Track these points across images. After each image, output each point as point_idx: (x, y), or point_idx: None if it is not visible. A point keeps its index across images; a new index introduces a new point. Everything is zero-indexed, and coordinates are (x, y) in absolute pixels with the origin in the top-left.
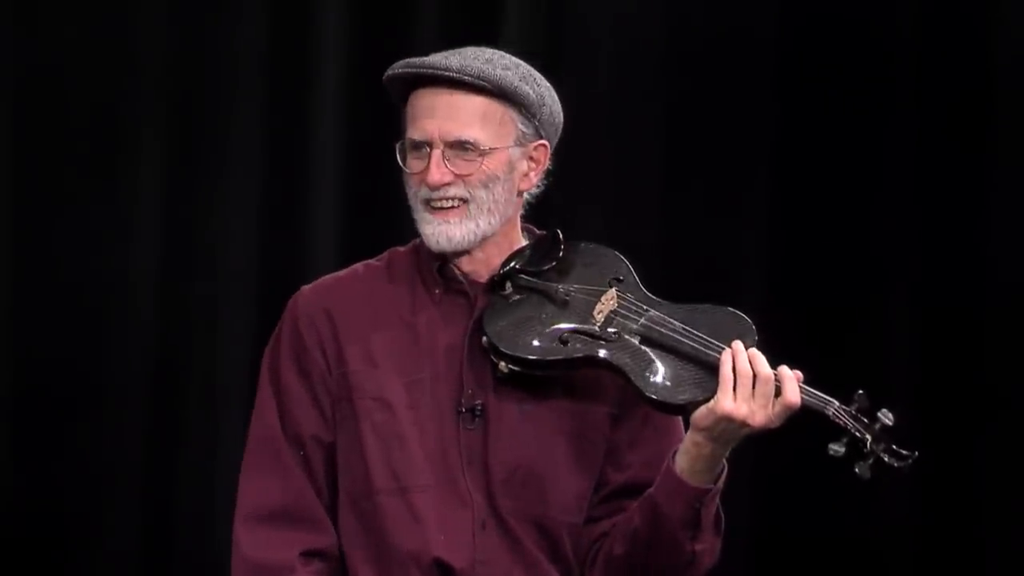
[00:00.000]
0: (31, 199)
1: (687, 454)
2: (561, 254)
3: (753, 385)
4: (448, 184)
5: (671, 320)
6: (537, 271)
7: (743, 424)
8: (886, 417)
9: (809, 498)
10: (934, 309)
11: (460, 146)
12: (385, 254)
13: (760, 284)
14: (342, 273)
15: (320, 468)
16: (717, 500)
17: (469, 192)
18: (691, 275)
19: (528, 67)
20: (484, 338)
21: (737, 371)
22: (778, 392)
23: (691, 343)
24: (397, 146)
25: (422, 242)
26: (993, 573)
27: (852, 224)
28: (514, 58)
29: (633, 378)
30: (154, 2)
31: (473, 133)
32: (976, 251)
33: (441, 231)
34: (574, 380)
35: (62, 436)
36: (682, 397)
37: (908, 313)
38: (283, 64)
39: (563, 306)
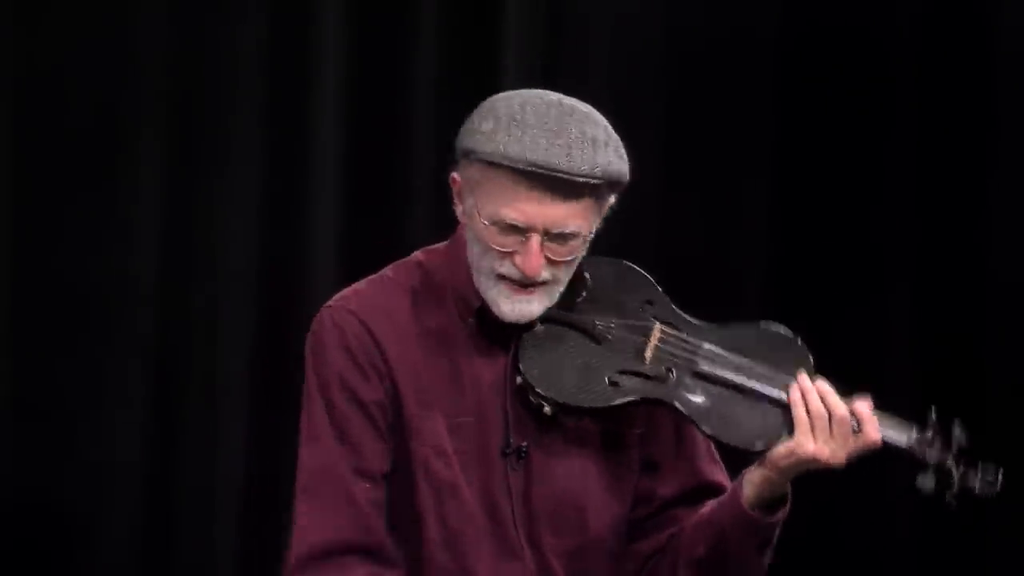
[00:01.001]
0: (31, 199)
1: (757, 487)
2: (589, 283)
3: (830, 424)
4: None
5: (725, 353)
6: (569, 304)
7: (826, 465)
8: (962, 437)
9: (809, 499)
10: (934, 310)
11: (561, 236)
12: (403, 268)
13: (760, 284)
14: (365, 288)
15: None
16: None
17: (553, 275)
18: (691, 275)
19: (608, 126)
20: (520, 379)
21: (811, 413)
22: (856, 428)
23: (752, 382)
24: (475, 210)
25: (453, 257)
26: (993, 574)
27: (852, 225)
28: (603, 121)
29: (699, 422)
30: (154, 2)
31: (577, 223)
32: (977, 252)
33: (521, 309)
34: None
35: (62, 436)
36: (759, 444)
37: (908, 314)
38: (283, 64)
39: (605, 344)
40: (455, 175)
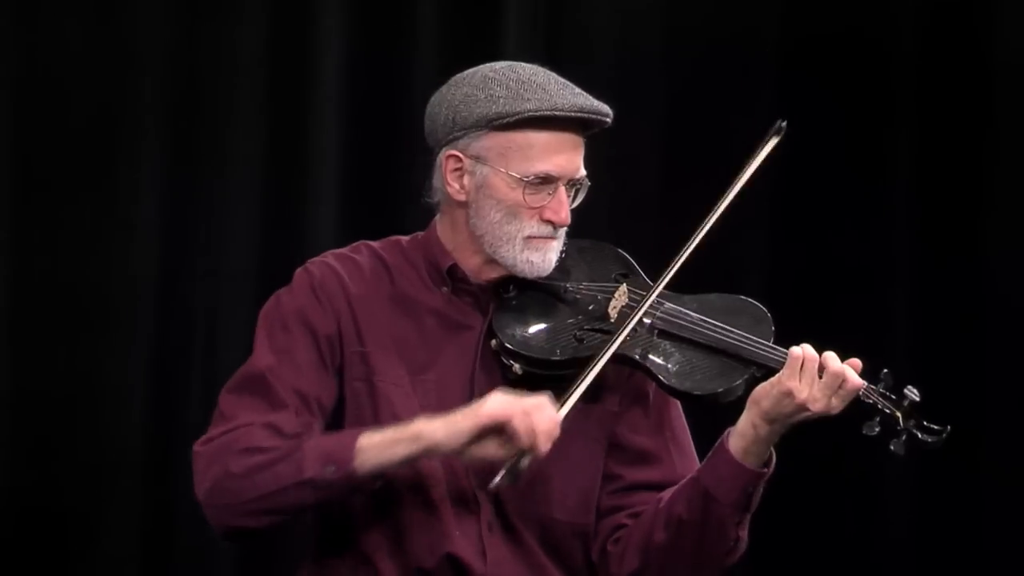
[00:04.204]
0: (31, 199)
1: (743, 437)
2: (563, 254)
3: (820, 374)
4: None
5: (687, 311)
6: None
7: (802, 407)
8: (913, 394)
9: (809, 500)
10: (934, 312)
11: (576, 184)
12: (384, 242)
13: (760, 285)
14: (347, 251)
15: (319, 430)
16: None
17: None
18: (691, 274)
19: None
20: (494, 341)
21: (804, 354)
22: (842, 380)
23: (710, 332)
24: (505, 174)
25: (427, 239)
26: (993, 573)
27: (852, 226)
28: None
29: (656, 371)
30: (154, 2)
31: (584, 169)
32: (976, 254)
33: (549, 259)
34: None
35: (62, 436)
36: (709, 386)
37: (908, 316)
38: (283, 64)
39: (573, 304)
40: (454, 152)
